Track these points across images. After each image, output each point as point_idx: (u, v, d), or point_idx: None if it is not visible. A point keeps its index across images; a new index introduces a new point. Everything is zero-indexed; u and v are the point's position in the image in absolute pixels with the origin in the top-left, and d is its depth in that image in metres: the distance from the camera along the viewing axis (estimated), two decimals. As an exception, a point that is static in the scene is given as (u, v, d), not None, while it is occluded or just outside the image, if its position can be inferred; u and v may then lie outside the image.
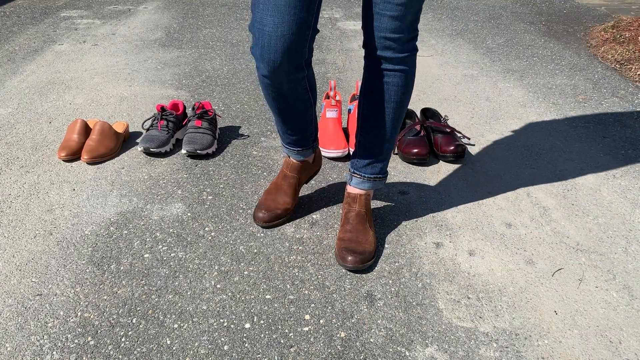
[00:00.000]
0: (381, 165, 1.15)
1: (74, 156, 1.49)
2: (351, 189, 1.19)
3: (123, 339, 0.93)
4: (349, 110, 1.65)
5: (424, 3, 3.42)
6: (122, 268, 1.09)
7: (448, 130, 1.55)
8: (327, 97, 1.65)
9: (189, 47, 2.55)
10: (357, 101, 1.61)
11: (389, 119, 1.09)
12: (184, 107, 1.68)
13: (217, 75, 2.20)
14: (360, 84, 1.61)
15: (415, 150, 1.47)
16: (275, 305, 1.01)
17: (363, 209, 1.17)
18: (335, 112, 1.57)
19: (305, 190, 1.39)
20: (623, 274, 1.10)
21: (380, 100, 1.07)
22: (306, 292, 1.04)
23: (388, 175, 1.18)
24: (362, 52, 2.47)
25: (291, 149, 1.20)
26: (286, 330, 0.95)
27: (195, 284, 1.05)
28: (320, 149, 1.53)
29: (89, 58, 2.38)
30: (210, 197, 1.35)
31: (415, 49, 1.03)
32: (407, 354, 0.91)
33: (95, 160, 1.48)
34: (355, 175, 1.17)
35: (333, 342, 0.93)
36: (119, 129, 1.62)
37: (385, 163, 1.16)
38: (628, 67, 2.25)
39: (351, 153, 1.52)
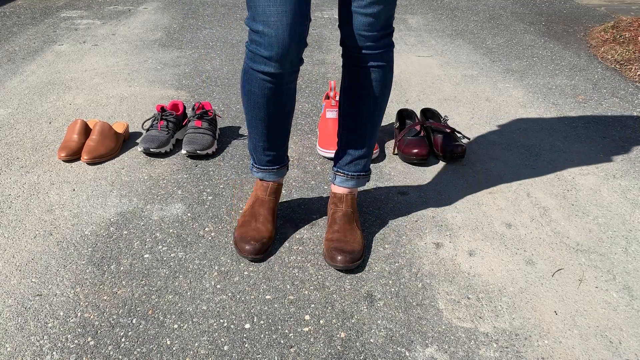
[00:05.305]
0: (364, 162, 1.16)
1: (74, 156, 1.49)
2: (336, 189, 1.19)
3: (123, 339, 0.93)
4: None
5: (425, 3, 3.42)
6: (122, 268, 1.09)
7: (448, 130, 1.55)
8: (327, 97, 1.65)
9: (189, 48, 2.55)
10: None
11: (369, 115, 1.09)
12: (184, 108, 1.68)
13: (217, 75, 2.20)
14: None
15: (415, 150, 1.47)
16: (275, 305, 1.01)
17: (350, 208, 1.17)
18: (336, 113, 1.57)
19: (305, 192, 1.38)
20: (623, 274, 1.10)
21: (359, 96, 1.08)
22: (306, 292, 1.04)
23: (371, 174, 1.18)
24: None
25: (268, 169, 1.16)
26: (286, 331, 0.95)
27: (195, 284, 1.05)
28: (321, 149, 1.53)
29: (89, 58, 2.38)
30: (210, 197, 1.35)
31: (391, 45, 1.04)
32: (407, 354, 0.91)
33: (95, 161, 1.48)
34: (339, 173, 1.17)
35: (333, 342, 0.93)
36: (119, 129, 1.62)
37: (368, 160, 1.17)
38: (628, 67, 2.25)
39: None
